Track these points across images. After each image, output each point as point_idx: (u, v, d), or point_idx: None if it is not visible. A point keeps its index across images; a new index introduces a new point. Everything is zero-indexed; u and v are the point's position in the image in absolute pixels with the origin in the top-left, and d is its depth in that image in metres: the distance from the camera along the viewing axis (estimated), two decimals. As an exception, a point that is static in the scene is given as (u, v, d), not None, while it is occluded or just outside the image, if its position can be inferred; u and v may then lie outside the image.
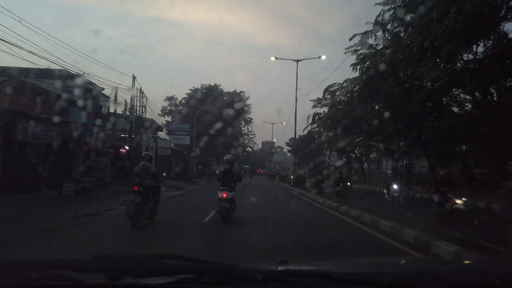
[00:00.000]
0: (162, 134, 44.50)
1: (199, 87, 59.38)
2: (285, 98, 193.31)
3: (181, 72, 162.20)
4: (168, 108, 59.93)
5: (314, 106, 44.27)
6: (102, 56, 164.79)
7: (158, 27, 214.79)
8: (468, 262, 3.51)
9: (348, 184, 15.17)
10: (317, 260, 4.54)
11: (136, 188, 8.62)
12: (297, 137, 70.16)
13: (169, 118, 58.14)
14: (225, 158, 10.49)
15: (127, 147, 23.42)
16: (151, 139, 29.74)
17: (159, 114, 59.04)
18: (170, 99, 60.44)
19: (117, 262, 1.62)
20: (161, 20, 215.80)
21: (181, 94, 60.13)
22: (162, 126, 48.08)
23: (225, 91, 60.14)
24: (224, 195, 9.52)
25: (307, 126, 45.58)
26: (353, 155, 46.65)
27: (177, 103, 60.15)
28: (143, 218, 8.67)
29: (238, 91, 61.47)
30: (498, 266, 2.37)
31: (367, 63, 22.55)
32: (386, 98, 21.34)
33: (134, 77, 24.40)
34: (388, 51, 21.15)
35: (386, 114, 24.31)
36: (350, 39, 24.09)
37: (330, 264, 2.35)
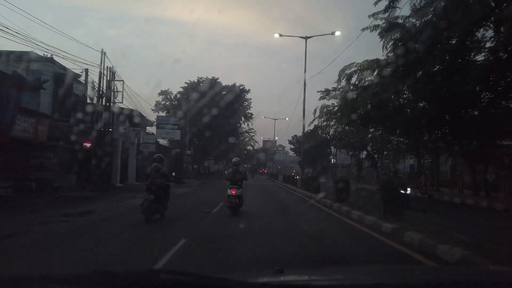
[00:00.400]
0: (154, 131, 38.93)
1: (196, 80, 53.92)
2: (287, 96, 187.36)
3: (181, 72, 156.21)
4: (162, 103, 54.52)
5: (322, 98, 38.80)
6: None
7: (158, 27, 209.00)
8: (471, 270, 3.37)
9: (408, 191, 9.62)
10: (316, 268, 3.63)
11: (149, 187, 9.21)
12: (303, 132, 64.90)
13: (163, 114, 52.72)
14: (233, 160, 11.76)
15: (92, 141, 18.00)
16: (131, 133, 24.34)
17: (153, 110, 53.81)
18: (164, 93, 55.02)
19: (115, 277, 1.63)
20: (161, 20, 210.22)
21: (178, 90, 54.30)
22: (154, 123, 42.77)
23: (224, 84, 54.62)
24: (233, 192, 10.59)
25: (314, 119, 40.13)
26: (365, 152, 41.30)
27: (172, 97, 54.73)
28: (155, 213, 9.18)
29: (237, 84, 55.64)
30: (499, 275, 2.29)
31: (397, 34, 17.25)
32: (427, 75, 15.97)
33: (103, 52, 18.99)
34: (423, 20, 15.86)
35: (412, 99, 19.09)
36: (376, 3, 18.75)
37: (328, 274, 2.22)
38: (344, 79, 23.62)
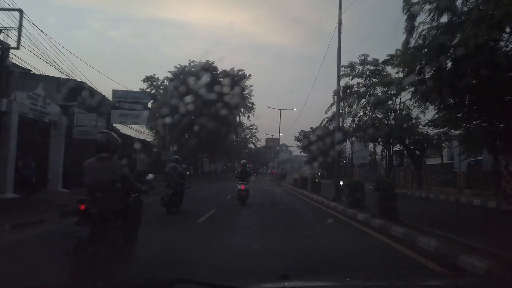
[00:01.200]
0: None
1: (187, 64, 43.87)
2: (291, 97, 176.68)
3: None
4: (147, 90, 44.39)
5: (345, 76, 28.63)
6: (104, 57, 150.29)
7: (159, 28, 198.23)
8: (481, 279, 3.05)
9: None
10: (320, 275, 3.42)
11: (168, 184, 10.45)
12: (310, 129, 54.03)
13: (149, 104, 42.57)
14: (241, 162, 15.20)
15: None
16: (50, 107, 14.22)
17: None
18: (149, 79, 44.95)
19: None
20: (162, 21, 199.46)
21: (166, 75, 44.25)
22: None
23: (220, 70, 44.50)
24: (242, 187, 13.05)
25: (332, 104, 29.92)
26: (397, 146, 31.05)
27: (158, 84, 44.70)
28: (173, 206, 10.43)
29: (236, 69, 45.28)
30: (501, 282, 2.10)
31: None
32: None
33: None
34: None
35: None
36: None
37: (332, 281, 2.11)
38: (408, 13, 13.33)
